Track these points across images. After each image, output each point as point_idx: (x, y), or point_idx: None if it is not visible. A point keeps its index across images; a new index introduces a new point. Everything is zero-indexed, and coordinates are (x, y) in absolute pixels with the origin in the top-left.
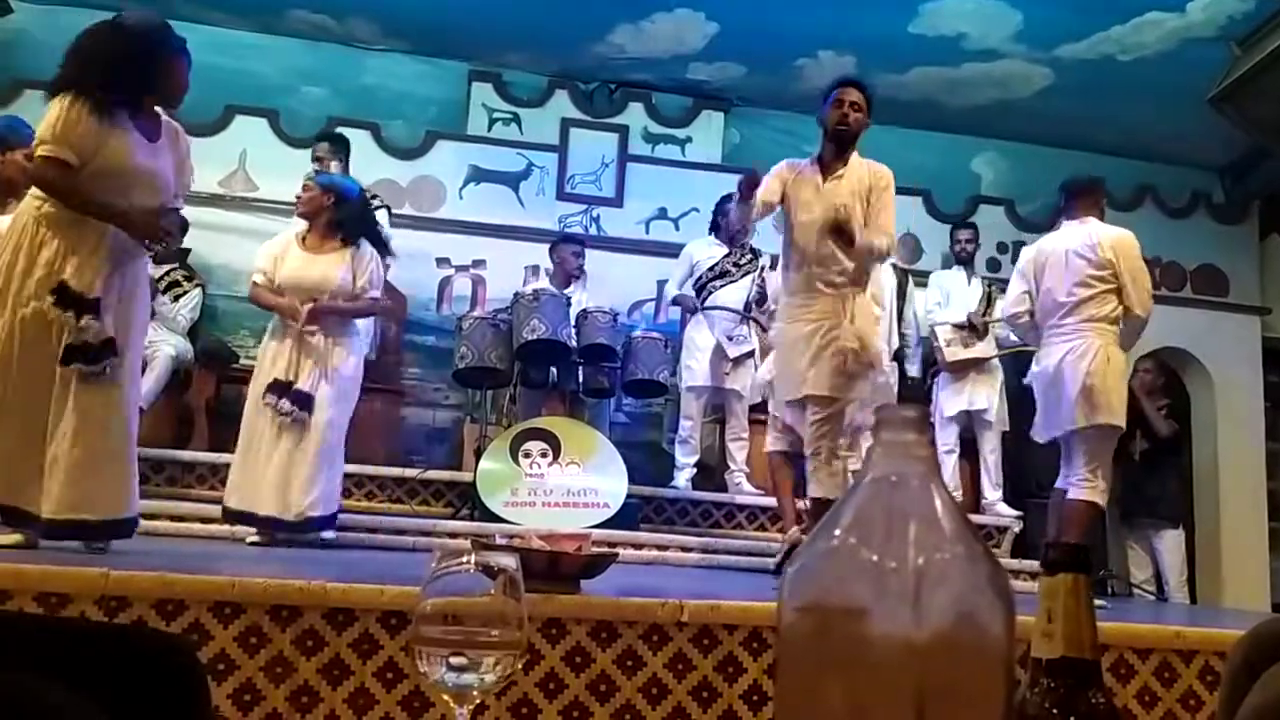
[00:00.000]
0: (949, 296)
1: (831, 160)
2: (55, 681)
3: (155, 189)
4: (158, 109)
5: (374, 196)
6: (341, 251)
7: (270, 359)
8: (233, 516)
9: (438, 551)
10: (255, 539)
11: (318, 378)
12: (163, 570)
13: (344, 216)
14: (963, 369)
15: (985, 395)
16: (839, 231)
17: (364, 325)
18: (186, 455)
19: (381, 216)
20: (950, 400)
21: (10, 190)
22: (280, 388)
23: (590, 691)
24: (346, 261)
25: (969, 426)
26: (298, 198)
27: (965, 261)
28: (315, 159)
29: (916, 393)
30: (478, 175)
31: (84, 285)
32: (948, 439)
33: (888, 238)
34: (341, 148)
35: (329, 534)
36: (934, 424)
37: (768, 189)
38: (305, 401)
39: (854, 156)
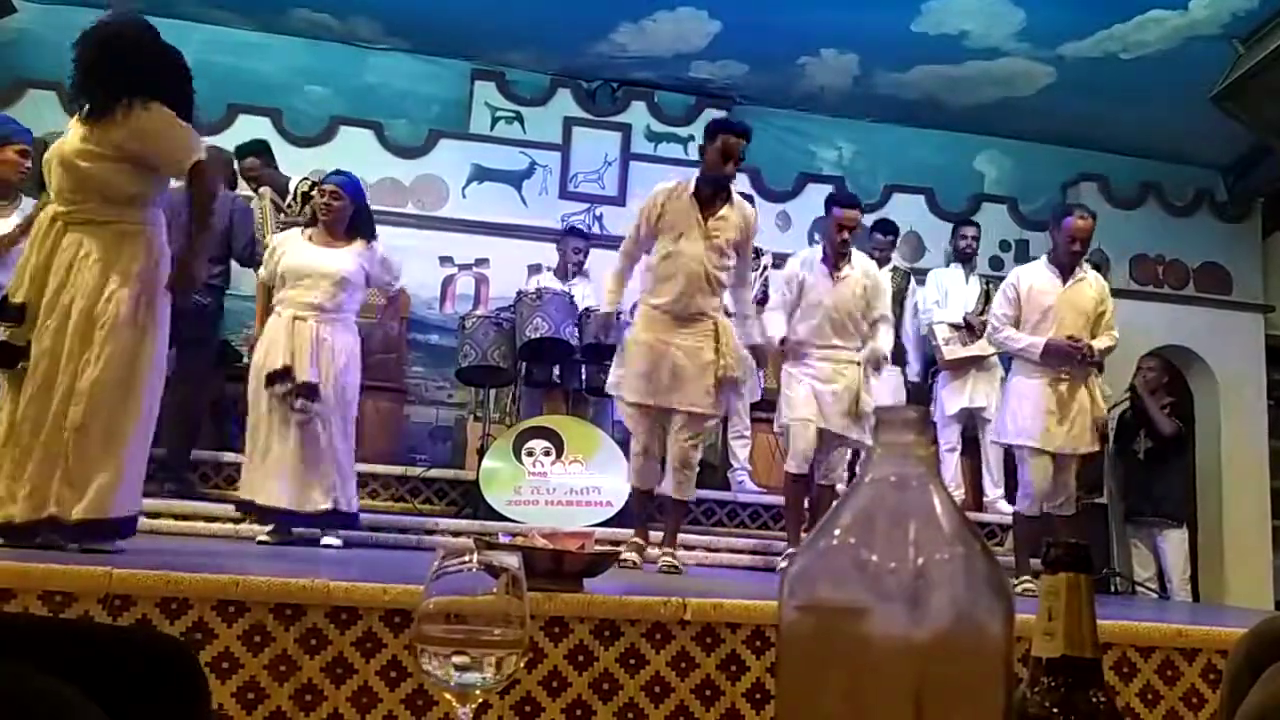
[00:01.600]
0: (947, 295)
1: (712, 197)
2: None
3: (67, 169)
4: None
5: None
6: (353, 244)
7: (264, 351)
8: (246, 508)
9: (441, 550)
10: (265, 538)
11: (317, 365)
12: (166, 569)
13: (363, 220)
14: (962, 367)
15: (985, 393)
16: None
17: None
18: (191, 454)
19: None
20: (951, 399)
21: (3, 190)
22: (280, 375)
23: (593, 690)
24: (360, 254)
25: (972, 424)
26: (327, 207)
27: (966, 259)
28: (250, 176)
29: (918, 393)
30: (480, 174)
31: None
32: (950, 437)
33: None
34: (268, 155)
35: (336, 540)
36: (936, 422)
37: (642, 231)
38: (310, 392)
39: (730, 191)
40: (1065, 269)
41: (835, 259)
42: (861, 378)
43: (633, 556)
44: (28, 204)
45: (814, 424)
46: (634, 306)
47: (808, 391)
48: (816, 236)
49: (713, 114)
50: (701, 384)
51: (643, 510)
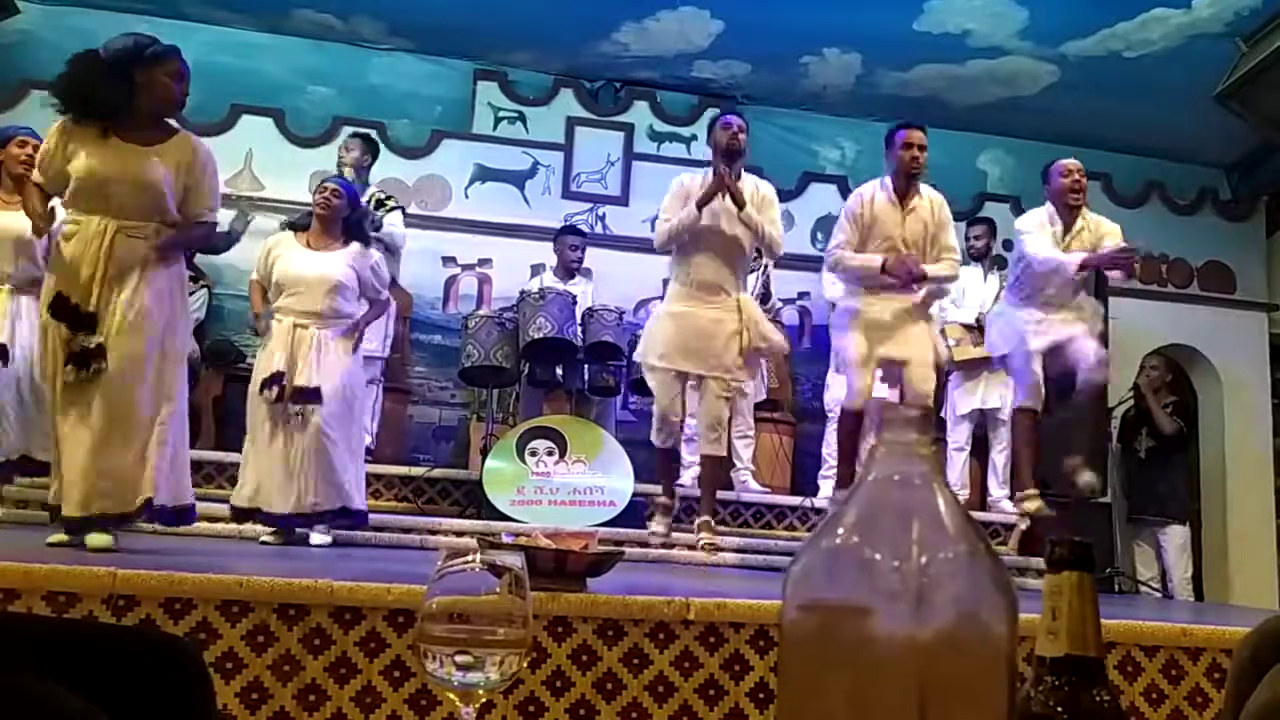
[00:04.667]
0: (963, 294)
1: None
2: (61, 684)
3: (140, 194)
4: (171, 122)
5: (388, 197)
6: (346, 249)
7: (267, 356)
8: (241, 514)
9: (444, 550)
10: (269, 538)
11: (314, 372)
12: (170, 569)
13: (353, 220)
14: (975, 367)
15: (998, 394)
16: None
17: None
18: (193, 454)
19: (395, 218)
20: (963, 399)
21: (19, 184)
22: (274, 380)
23: (597, 690)
24: (352, 258)
25: (982, 424)
26: (326, 202)
27: (979, 258)
28: (345, 150)
29: None
30: (483, 174)
31: (81, 299)
32: (960, 437)
33: (778, 233)
34: (372, 149)
35: (325, 538)
36: (946, 422)
37: (673, 212)
38: (311, 396)
39: (744, 172)
40: (1066, 222)
41: (904, 188)
42: (931, 331)
43: (660, 527)
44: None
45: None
46: (639, 305)
47: (866, 342)
48: (819, 235)
49: (715, 113)
50: (728, 351)
51: (665, 466)
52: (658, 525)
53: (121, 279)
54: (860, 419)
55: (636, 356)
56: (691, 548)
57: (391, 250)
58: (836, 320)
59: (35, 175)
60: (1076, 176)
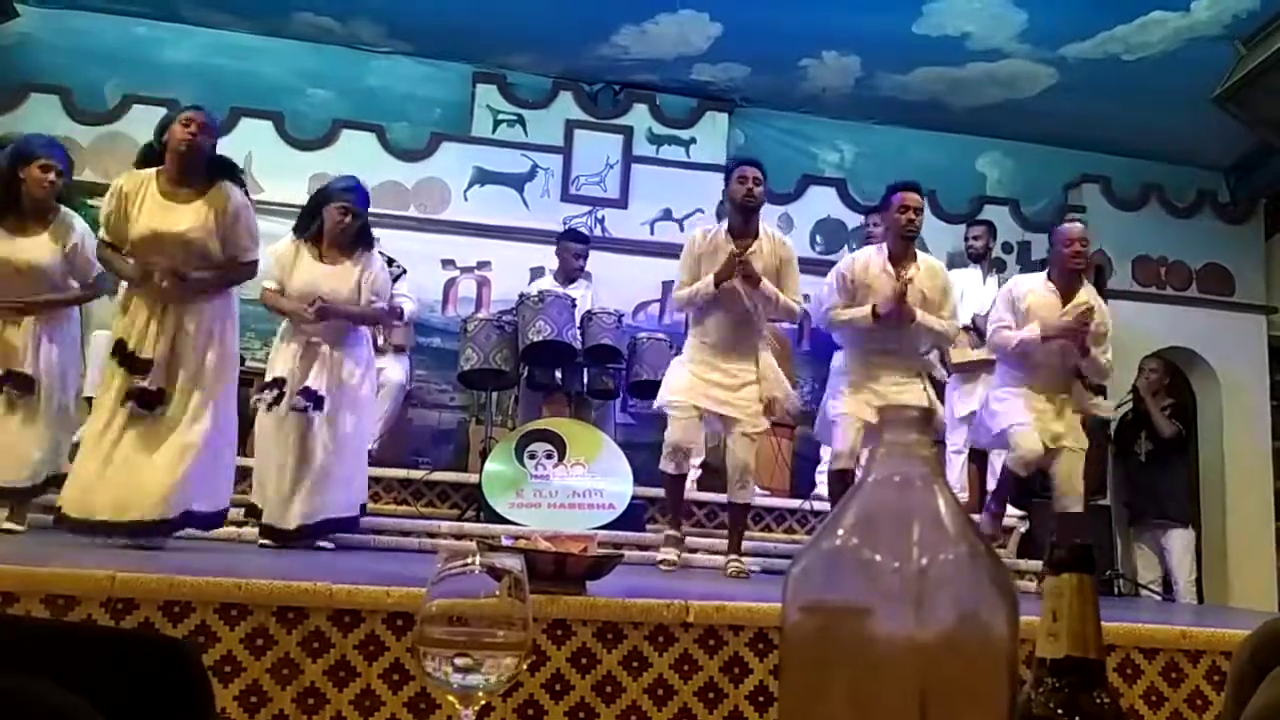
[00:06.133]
0: (962, 296)
1: (742, 231)
2: (56, 685)
3: (178, 247)
4: (222, 179)
5: (390, 261)
6: (353, 261)
7: (279, 364)
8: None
9: (443, 553)
10: (267, 541)
11: (325, 380)
12: (169, 572)
13: (360, 227)
14: (972, 370)
15: None
16: (746, 278)
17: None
18: None
19: (402, 288)
20: (961, 401)
21: (37, 209)
22: (274, 385)
23: (596, 692)
24: (358, 271)
25: None
26: (344, 229)
27: (977, 259)
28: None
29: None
30: (482, 177)
31: (139, 345)
32: (958, 440)
33: (799, 303)
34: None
35: (328, 541)
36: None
37: (689, 274)
38: (314, 398)
39: (761, 227)
40: (1065, 289)
41: (901, 252)
42: (928, 393)
43: (671, 555)
44: (73, 219)
45: (864, 418)
46: (637, 307)
47: (862, 397)
48: (818, 238)
49: (714, 116)
50: (747, 397)
51: (675, 494)
52: (668, 554)
53: (180, 329)
54: (847, 479)
55: (657, 404)
56: (690, 550)
57: (405, 322)
58: (829, 387)
59: (102, 234)
60: (1078, 246)
